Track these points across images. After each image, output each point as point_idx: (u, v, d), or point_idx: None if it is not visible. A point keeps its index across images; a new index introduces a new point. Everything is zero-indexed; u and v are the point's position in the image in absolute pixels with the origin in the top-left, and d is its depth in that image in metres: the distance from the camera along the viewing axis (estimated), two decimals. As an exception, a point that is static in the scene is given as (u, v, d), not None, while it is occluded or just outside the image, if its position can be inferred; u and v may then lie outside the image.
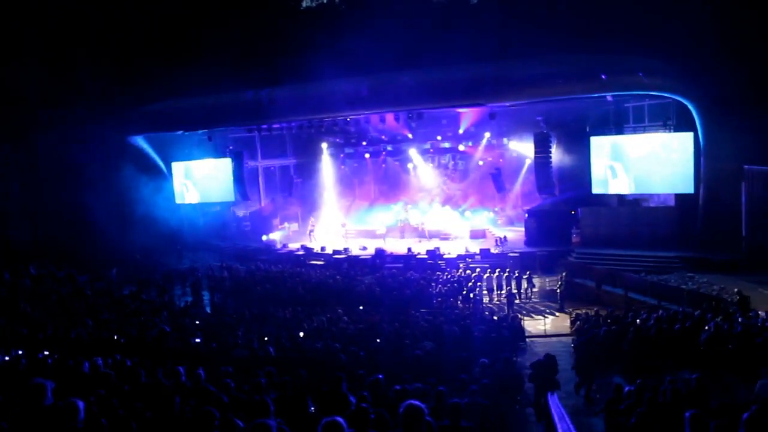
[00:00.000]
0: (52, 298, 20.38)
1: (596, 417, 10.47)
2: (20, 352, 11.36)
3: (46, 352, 11.47)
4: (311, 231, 34.20)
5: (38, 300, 20.09)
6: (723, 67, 22.11)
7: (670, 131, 26.37)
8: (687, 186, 24.78)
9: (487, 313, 20.32)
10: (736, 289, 17.77)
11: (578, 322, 17.50)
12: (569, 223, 28.29)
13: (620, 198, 28.49)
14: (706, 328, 13.03)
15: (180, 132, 33.93)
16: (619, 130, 28.69)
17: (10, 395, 6.26)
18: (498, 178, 32.19)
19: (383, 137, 35.98)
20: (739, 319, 13.83)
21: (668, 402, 7.57)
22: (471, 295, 21.97)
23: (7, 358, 10.37)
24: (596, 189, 27.40)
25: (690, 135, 24.50)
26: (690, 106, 24.14)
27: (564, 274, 23.24)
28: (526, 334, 18.37)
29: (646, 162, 25.88)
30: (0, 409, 5.66)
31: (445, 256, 27.82)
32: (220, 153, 35.33)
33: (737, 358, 11.55)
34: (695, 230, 25.05)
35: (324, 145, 37.73)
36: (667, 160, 25.27)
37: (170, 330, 14.42)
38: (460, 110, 30.19)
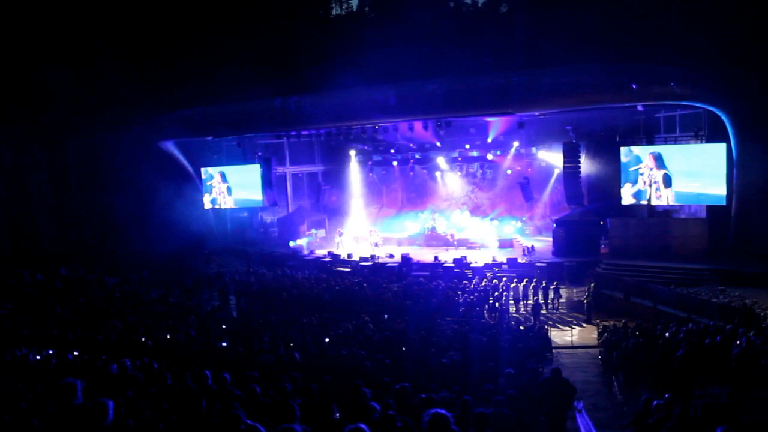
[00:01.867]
0: (80, 300, 20.63)
1: (624, 431, 10.30)
2: (50, 352, 11.52)
3: (76, 353, 11.61)
4: (338, 237, 34.32)
5: (68, 302, 20.36)
6: (757, 77, 21.77)
7: (702, 142, 25.99)
8: (719, 198, 24.38)
9: (513, 323, 20.18)
10: (747, 301, 17.38)
11: (606, 334, 17.30)
12: (598, 234, 27.98)
13: (650, 209, 28.11)
14: (738, 342, 12.77)
15: (209, 138, 34.29)
16: (650, 141, 28.35)
17: (41, 393, 6.34)
18: (526, 188, 31.97)
19: (411, 145, 36.04)
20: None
21: (698, 417, 7.43)
22: (497, 305, 21.83)
23: (38, 357, 10.53)
24: (626, 199, 27.08)
25: (723, 146, 24.09)
26: (723, 117, 23.73)
27: (592, 285, 22.99)
28: (553, 345, 18.21)
29: (677, 173, 25.51)
30: (31, 406, 5.74)
31: (472, 265, 27.66)
32: (249, 159, 35.64)
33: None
34: (727, 243, 24.61)
35: (352, 153, 37.93)
36: (698, 171, 24.88)
37: (197, 334, 14.53)
38: (489, 119, 30.10)
